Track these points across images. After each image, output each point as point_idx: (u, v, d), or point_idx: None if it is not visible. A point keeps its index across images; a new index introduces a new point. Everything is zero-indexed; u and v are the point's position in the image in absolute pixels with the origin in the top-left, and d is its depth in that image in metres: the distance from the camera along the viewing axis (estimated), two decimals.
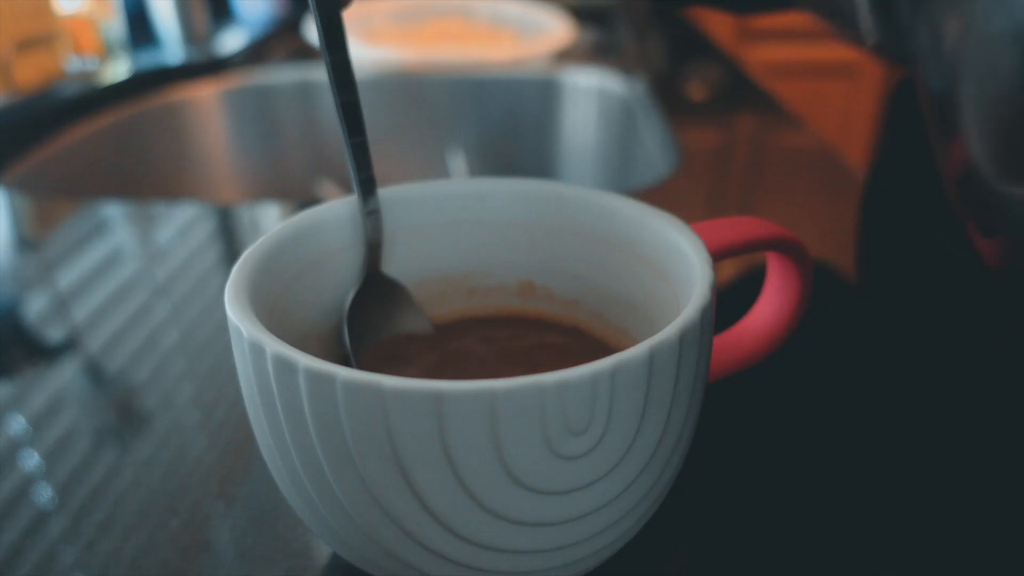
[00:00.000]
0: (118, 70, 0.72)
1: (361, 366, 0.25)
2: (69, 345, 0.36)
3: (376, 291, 0.26)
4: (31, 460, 0.28)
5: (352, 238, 0.26)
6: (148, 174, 0.70)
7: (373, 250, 0.26)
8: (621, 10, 1.04)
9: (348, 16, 0.23)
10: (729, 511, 0.26)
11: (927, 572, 0.24)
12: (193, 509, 0.26)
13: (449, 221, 0.27)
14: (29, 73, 0.65)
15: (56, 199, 0.54)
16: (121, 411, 0.31)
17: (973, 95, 0.17)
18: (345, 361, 0.25)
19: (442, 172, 0.80)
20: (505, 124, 0.81)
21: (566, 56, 0.83)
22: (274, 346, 0.18)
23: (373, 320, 0.26)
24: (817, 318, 0.29)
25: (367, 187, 0.25)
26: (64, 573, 0.23)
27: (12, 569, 0.24)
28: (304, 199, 0.76)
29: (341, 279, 0.26)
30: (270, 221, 0.49)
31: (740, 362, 0.27)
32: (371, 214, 0.25)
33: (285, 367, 0.18)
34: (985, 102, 0.17)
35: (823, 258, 0.41)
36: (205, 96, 0.75)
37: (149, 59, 0.76)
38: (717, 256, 0.23)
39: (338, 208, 0.25)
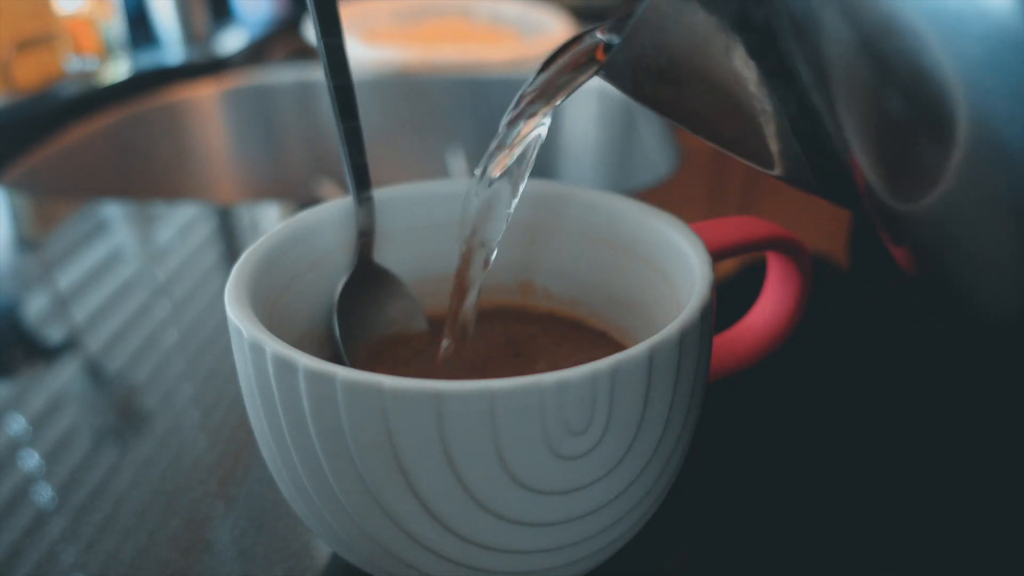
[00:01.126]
0: (118, 70, 0.72)
1: (350, 358, 0.25)
2: (69, 345, 0.36)
3: (368, 280, 0.26)
4: (31, 460, 0.28)
5: (351, 237, 0.26)
6: (148, 174, 0.70)
7: (365, 237, 0.26)
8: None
9: (348, 16, 0.23)
10: (729, 511, 0.26)
11: (927, 572, 0.24)
12: (193, 509, 0.26)
13: (449, 221, 0.27)
14: (29, 73, 0.65)
15: (56, 199, 0.54)
16: (121, 411, 0.31)
17: (849, 113, 0.17)
18: (338, 352, 0.25)
19: (442, 172, 0.80)
20: None
21: None
22: (274, 346, 0.18)
23: (364, 309, 0.26)
24: (816, 318, 0.29)
25: (360, 173, 0.25)
26: (64, 573, 0.23)
27: (12, 569, 0.24)
28: (304, 199, 0.76)
29: (341, 279, 0.26)
30: (270, 221, 0.49)
31: (740, 362, 0.27)
32: (364, 201, 0.25)
33: (285, 367, 0.18)
34: (860, 123, 0.17)
35: (822, 257, 0.41)
36: (205, 96, 0.74)
37: (149, 59, 0.76)
38: (717, 256, 0.23)
39: (337, 208, 0.25)
